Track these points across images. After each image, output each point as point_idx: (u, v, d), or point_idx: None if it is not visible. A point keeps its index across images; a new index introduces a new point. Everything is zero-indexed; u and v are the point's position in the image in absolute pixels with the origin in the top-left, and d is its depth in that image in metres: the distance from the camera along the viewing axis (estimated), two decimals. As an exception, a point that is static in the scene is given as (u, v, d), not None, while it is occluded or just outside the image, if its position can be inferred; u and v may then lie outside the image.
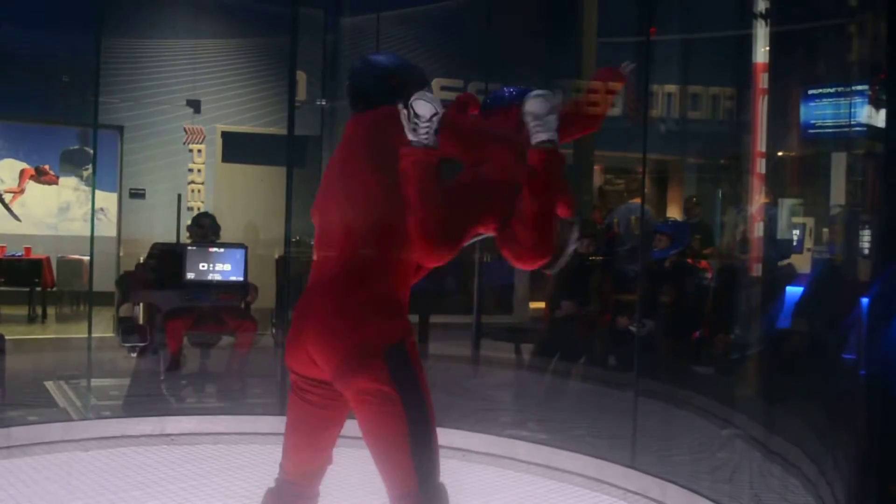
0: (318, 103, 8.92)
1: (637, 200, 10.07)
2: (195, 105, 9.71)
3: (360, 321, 2.42)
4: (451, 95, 10.81)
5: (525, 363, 7.20)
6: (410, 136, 2.36)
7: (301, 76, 8.70)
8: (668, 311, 6.49)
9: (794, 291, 6.37)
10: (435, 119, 2.35)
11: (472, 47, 10.59)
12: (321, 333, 2.45)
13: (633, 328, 6.00)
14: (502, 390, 7.06)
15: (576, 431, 5.78)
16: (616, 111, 11.15)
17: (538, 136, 2.51)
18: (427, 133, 2.34)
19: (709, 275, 6.93)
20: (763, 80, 7.42)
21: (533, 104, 2.50)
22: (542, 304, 8.75)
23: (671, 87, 11.15)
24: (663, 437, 5.58)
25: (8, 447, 5.23)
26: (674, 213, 11.63)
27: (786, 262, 7.08)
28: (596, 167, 11.40)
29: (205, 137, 10.17)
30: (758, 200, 7.32)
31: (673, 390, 6.03)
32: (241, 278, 6.73)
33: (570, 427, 5.88)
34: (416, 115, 2.34)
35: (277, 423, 5.88)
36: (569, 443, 5.38)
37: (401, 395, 2.39)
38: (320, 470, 2.68)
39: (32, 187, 12.37)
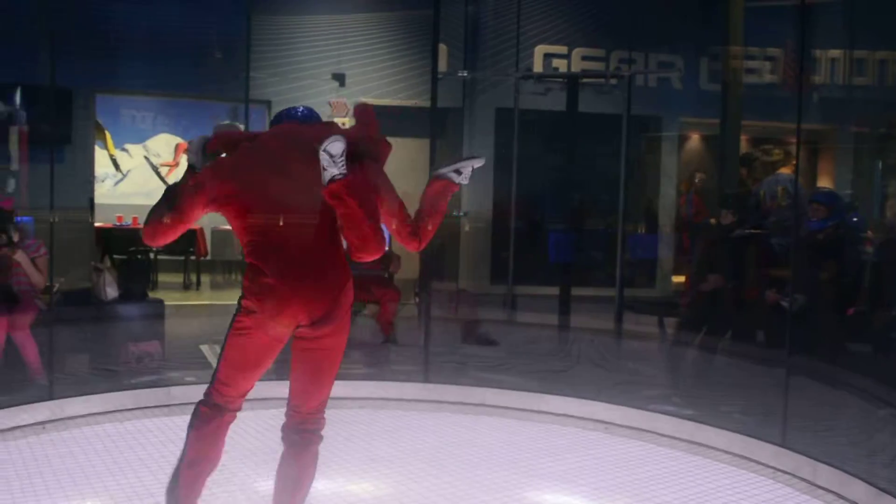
0: (460, 74, 8.98)
1: (785, 170, 9.67)
2: (340, 79, 9.87)
3: (348, 284, 3.28)
4: (593, 66, 10.68)
5: (669, 337, 7.06)
6: (332, 171, 2.92)
7: (442, 48, 8.74)
8: (822, 285, 6.21)
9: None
10: (344, 153, 2.93)
11: (614, 16, 10.38)
12: (326, 291, 3.21)
13: (784, 303, 5.78)
14: (645, 364, 6.95)
15: (722, 407, 5.64)
16: (771, 79, 10.72)
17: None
18: (343, 165, 2.93)
19: (868, 248, 6.59)
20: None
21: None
22: (683, 278, 8.55)
23: (835, 53, 10.54)
24: (816, 417, 5.38)
25: (168, 405, 5.55)
26: (825, 184, 11.11)
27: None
28: (743, 137, 10.99)
29: (349, 111, 10.37)
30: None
31: (827, 368, 5.78)
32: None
33: (717, 402, 5.74)
34: (331, 155, 2.90)
35: (421, 390, 5.99)
36: (715, 418, 5.27)
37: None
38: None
39: (186, 161, 12.90)
